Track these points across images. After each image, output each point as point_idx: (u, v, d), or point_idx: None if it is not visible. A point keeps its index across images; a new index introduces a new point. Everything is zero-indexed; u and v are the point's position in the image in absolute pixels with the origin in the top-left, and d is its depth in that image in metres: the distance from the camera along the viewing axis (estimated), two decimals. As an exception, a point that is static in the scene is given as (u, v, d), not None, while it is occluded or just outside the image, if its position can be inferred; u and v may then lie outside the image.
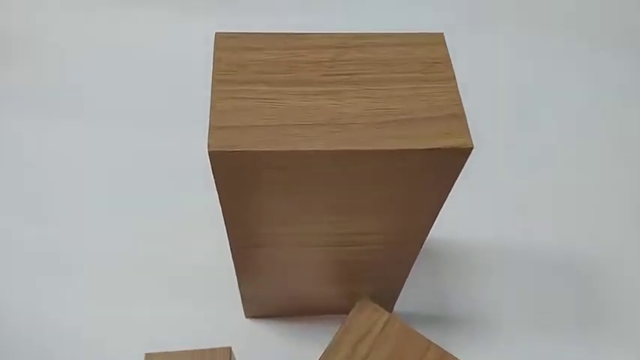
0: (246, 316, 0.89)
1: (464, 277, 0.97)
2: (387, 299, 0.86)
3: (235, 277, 0.78)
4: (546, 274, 0.98)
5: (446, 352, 0.72)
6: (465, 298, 0.94)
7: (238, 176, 0.54)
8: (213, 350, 0.74)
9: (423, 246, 0.82)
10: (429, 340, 0.73)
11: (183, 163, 1.06)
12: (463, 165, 0.54)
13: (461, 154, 0.53)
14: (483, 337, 0.90)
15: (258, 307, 0.87)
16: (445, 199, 0.60)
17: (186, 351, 0.74)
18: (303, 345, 0.88)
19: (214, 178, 0.54)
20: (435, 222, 0.74)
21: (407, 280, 0.95)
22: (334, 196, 0.58)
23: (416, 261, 0.83)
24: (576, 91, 1.25)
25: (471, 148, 0.52)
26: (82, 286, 0.92)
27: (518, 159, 1.13)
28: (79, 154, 1.07)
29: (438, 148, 0.51)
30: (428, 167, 0.54)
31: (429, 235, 0.98)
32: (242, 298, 0.84)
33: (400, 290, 0.84)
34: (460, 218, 1.02)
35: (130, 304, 0.91)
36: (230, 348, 0.74)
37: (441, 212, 0.73)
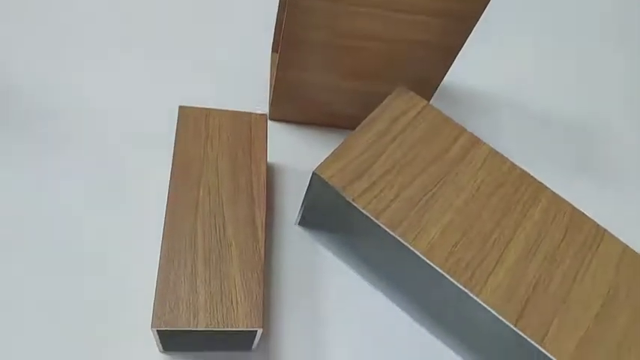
0: (271, 118, 0.89)
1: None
2: (424, 93, 0.86)
3: (269, 74, 0.78)
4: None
5: (479, 139, 0.74)
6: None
7: None
8: (250, 114, 0.74)
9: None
10: (463, 127, 0.75)
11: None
12: None
13: None
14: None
15: (285, 108, 0.87)
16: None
17: (222, 110, 0.74)
18: (325, 151, 0.89)
19: None
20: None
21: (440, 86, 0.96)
22: None
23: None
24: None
25: None
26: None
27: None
28: None
29: None
30: None
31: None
32: (273, 94, 0.84)
33: (438, 85, 0.84)
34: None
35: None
36: (266, 115, 0.75)
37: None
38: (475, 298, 0.62)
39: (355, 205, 0.65)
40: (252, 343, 0.65)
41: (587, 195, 0.95)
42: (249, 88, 0.92)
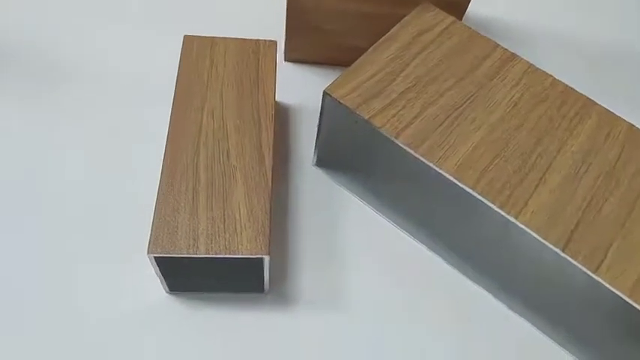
0: (286, 60, 0.83)
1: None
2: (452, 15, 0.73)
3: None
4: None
5: (514, 54, 0.65)
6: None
7: None
8: (258, 40, 0.68)
9: None
10: (496, 43, 0.66)
11: None
12: None
13: None
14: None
15: (300, 43, 0.81)
16: None
17: (229, 37, 0.68)
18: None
19: None
20: None
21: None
22: None
23: None
24: None
25: None
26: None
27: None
28: None
29: None
30: None
31: None
32: (287, 25, 0.78)
33: (466, 6, 0.76)
34: None
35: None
36: (275, 42, 0.69)
37: None
38: (514, 221, 0.53)
39: (372, 124, 0.58)
40: (263, 280, 0.59)
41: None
42: (264, 29, 0.86)
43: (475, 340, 0.63)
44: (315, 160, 0.72)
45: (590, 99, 0.62)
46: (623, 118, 0.62)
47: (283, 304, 0.63)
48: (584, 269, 0.51)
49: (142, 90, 0.79)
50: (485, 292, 0.65)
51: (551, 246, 0.52)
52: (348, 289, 0.65)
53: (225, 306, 0.62)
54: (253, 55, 0.67)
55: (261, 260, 0.54)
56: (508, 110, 0.60)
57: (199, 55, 0.66)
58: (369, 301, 0.64)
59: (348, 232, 0.69)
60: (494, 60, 0.64)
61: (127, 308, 0.61)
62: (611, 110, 0.62)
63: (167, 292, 0.62)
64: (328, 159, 0.73)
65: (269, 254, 0.53)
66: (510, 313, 0.64)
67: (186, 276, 0.60)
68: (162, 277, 0.58)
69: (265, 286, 0.60)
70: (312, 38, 0.79)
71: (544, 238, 0.52)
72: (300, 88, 0.81)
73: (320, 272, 0.65)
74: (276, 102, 0.79)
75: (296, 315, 0.62)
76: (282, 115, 0.78)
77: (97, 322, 0.60)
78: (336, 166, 0.73)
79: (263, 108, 0.63)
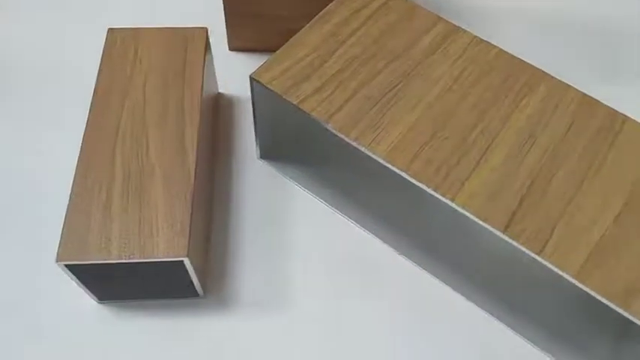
0: (230, 49, 0.79)
1: None
2: None
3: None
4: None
5: (458, 27, 0.60)
6: None
7: None
8: (186, 29, 0.64)
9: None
10: (438, 16, 0.62)
11: None
12: None
13: None
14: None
15: (242, 31, 0.77)
16: None
17: (156, 27, 0.65)
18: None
19: None
20: None
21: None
22: None
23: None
24: None
25: None
26: None
27: None
28: None
29: None
30: None
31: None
32: (228, 25, 0.74)
33: None
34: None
35: None
36: (206, 29, 0.65)
37: None
38: (450, 204, 0.49)
39: (301, 109, 0.54)
40: (193, 284, 0.55)
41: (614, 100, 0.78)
42: (206, 17, 0.81)
43: (431, 333, 0.58)
44: (258, 153, 0.68)
45: (539, 69, 0.58)
46: (577, 87, 0.57)
47: (223, 307, 0.59)
48: (528, 251, 0.47)
49: (63, 87, 0.75)
50: (439, 282, 0.60)
51: (491, 228, 0.48)
52: (294, 287, 0.61)
53: (160, 313, 0.58)
54: (181, 44, 0.63)
55: (181, 263, 0.50)
56: (448, 86, 0.56)
57: (123, 47, 0.62)
58: (317, 298, 0.60)
59: (294, 227, 0.64)
60: (436, 34, 0.60)
61: (54, 322, 0.57)
62: (563, 80, 0.58)
63: (98, 303, 0.58)
64: (272, 151, 0.69)
65: (188, 256, 0.49)
66: (468, 304, 0.60)
67: (113, 284, 0.56)
68: (85, 287, 0.55)
69: (198, 290, 0.56)
70: (255, 25, 0.75)
71: (483, 221, 0.48)
72: (246, 78, 0.76)
73: (264, 271, 0.61)
74: (220, 94, 0.75)
75: (237, 318, 0.58)
76: (226, 108, 0.74)
77: (24, 338, 0.57)
78: (282, 157, 0.69)
79: (189, 100, 0.59)
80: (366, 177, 0.67)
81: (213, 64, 0.70)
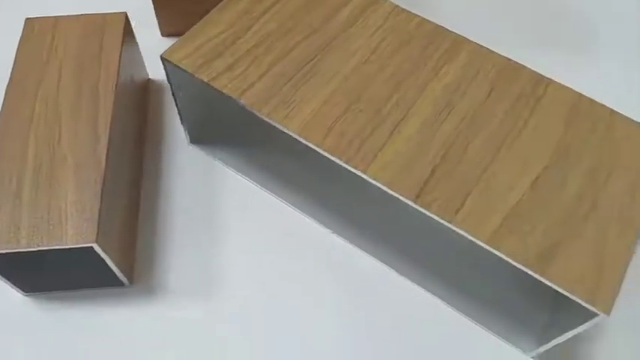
0: (163, 35, 0.78)
1: None
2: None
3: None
4: None
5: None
6: None
7: None
8: (104, 15, 0.63)
9: None
10: (358, -12, 0.60)
11: None
12: None
13: None
14: None
15: (174, 22, 0.75)
16: None
17: (74, 15, 0.63)
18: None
19: None
20: None
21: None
22: None
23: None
24: None
25: None
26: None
27: None
28: None
29: None
30: None
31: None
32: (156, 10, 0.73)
33: None
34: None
35: None
36: (124, 14, 0.63)
37: None
38: (362, 175, 0.48)
39: (213, 86, 0.53)
40: (113, 272, 0.54)
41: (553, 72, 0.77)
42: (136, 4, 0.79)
43: (364, 309, 0.57)
44: (188, 138, 0.67)
45: (461, 36, 0.57)
46: (505, 54, 0.56)
47: (150, 295, 0.58)
48: (439, 219, 0.46)
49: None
50: (372, 259, 0.59)
51: (402, 198, 0.47)
52: (225, 272, 0.59)
53: (86, 304, 0.57)
54: (98, 31, 0.61)
55: (92, 249, 0.49)
56: (366, 58, 0.55)
57: (41, 36, 0.61)
58: (248, 283, 0.59)
59: (226, 211, 0.63)
60: (354, 6, 0.58)
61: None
62: (490, 48, 0.56)
63: (24, 295, 0.57)
64: (203, 135, 0.67)
65: (97, 242, 0.48)
66: (400, 278, 0.58)
67: (34, 275, 0.55)
68: (6, 279, 0.53)
69: (121, 278, 0.55)
70: (183, 9, 0.73)
71: (395, 191, 0.47)
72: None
73: (194, 257, 0.60)
74: (150, 80, 0.74)
75: (164, 307, 0.57)
76: (157, 93, 0.72)
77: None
78: (212, 141, 0.67)
79: (104, 86, 0.57)
80: (292, 155, 0.66)
81: (139, 50, 0.69)
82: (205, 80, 0.52)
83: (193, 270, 0.60)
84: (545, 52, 0.77)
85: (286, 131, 0.50)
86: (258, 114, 0.51)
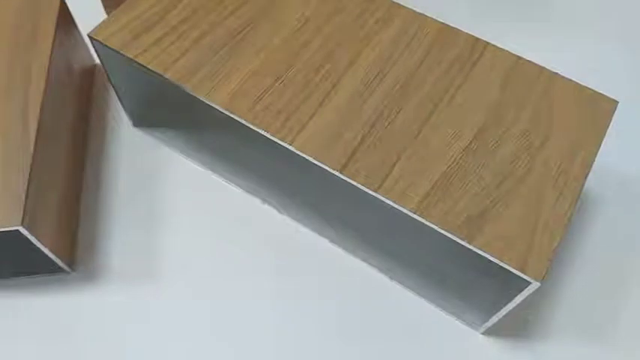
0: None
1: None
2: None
3: None
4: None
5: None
6: None
7: None
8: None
9: None
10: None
11: None
12: None
13: None
14: None
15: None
16: None
17: (5, -2, 0.62)
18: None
19: None
20: None
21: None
22: None
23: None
24: None
25: None
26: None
27: None
28: None
29: None
30: None
31: None
32: None
33: None
34: None
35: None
36: (59, -5, 0.62)
37: None
38: (289, 147, 0.47)
39: (138, 62, 0.51)
40: (50, 258, 0.53)
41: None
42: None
43: (308, 288, 0.56)
44: (131, 121, 0.65)
45: (395, 2, 0.55)
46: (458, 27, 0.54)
47: (91, 281, 0.57)
48: (365, 189, 0.44)
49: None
50: (318, 236, 0.58)
51: (328, 169, 0.45)
52: (169, 256, 0.58)
53: (28, 292, 0.56)
54: (34, 12, 0.60)
55: (18, 232, 0.48)
56: (298, 28, 0.53)
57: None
58: (192, 264, 0.58)
59: (169, 193, 0.62)
60: (289, -24, 0.57)
61: None
62: (422, 12, 0.54)
63: (-39, 284, 0.56)
64: (144, 117, 0.65)
65: (23, 225, 0.47)
66: (349, 256, 0.57)
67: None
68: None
69: (59, 264, 0.54)
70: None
71: (321, 162, 0.45)
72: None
73: (137, 241, 0.59)
74: (96, 65, 0.72)
75: (106, 293, 0.56)
76: (103, 78, 0.71)
77: None
78: (155, 123, 0.66)
79: (36, 70, 0.56)
80: (233, 134, 0.64)
81: (80, 34, 0.67)
82: (131, 56, 0.51)
83: (137, 254, 0.58)
84: (494, 22, 0.75)
85: (212, 104, 0.49)
86: (183, 87, 0.50)
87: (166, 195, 0.62)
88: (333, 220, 0.58)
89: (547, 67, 0.51)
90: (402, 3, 0.55)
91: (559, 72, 0.51)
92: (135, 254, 0.58)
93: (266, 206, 0.60)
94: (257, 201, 0.61)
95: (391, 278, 0.55)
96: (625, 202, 0.62)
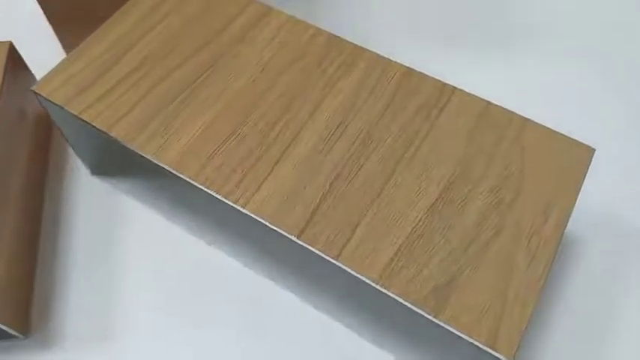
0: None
1: None
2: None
3: None
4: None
5: (272, 8, 0.54)
6: None
7: None
8: (-17, 43, 0.58)
9: None
10: (250, -2, 0.56)
11: None
12: None
13: None
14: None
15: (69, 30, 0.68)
16: None
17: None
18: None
19: None
20: None
21: None
22: None
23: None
24: None
25: None
26: None
27: None
28: None
29: None
30: None
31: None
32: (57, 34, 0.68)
33: None
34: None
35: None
36: (10, 42, 0.58)
37: None
38: (243, 211, 0.43)
39: (83, 119, 0.48)
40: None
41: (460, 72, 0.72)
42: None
43: (273, 343, 0.52)
44: (89, 169, 0.62)
45: (359, 46, 0.52)
46: (407, 64, 0.51)
47: (46, 346, 0.53)
48: (324, 256, 0.41)
49: None
50: (286, 291, 0.54)
51: (285, 234, 0.42)
52: (127, 312, 0.55)
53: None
54: (-22, 61, 0.57)
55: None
56: (255, 76, 0.50)
57: None
58: (151, 322, 0.54)
59: (128, 245, 0.58)
60: (246, 19, 0.53)
61: None
62: (386, 56, 0.52)
63: None
64: (100, 166, 0.62)
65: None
66: (318, 313, 0.54)
67: None
68: None
69: (10, 331, 0.51)
70: (87, 31, 0.68)
71: (277, 227, 0.42)
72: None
73: (96, 298, 0.55)
74: (53, 109, 0.69)
75: (62, 358, 0.53)
76: (60, 123, 0.68)
77: None
78: (114, 172, 0.62)
79: (-23, 122, 0.53)
80: (186, 186, 0.61)
81: (35, 81, 0.64)
82: (75, 113, 0.48)
83: (95, 314, 0.55)
84: (456, 54, 0.72)
85: (160, 164, 0.46)
86: (129, 146, 0.47)
87: (126, 249, 0.58)
88: (297, 275, 0.55)
89: (519, 105, 0.49)
90: (365, 46, 0.52)
91: (531, 102, 0.48)
92: (93, 314, 0.55)
93: (230, 259, 0.57)
94: (223, 255, 0.57)
95: (368, 340, 0.52)
96: (604, 244, 0.59)
